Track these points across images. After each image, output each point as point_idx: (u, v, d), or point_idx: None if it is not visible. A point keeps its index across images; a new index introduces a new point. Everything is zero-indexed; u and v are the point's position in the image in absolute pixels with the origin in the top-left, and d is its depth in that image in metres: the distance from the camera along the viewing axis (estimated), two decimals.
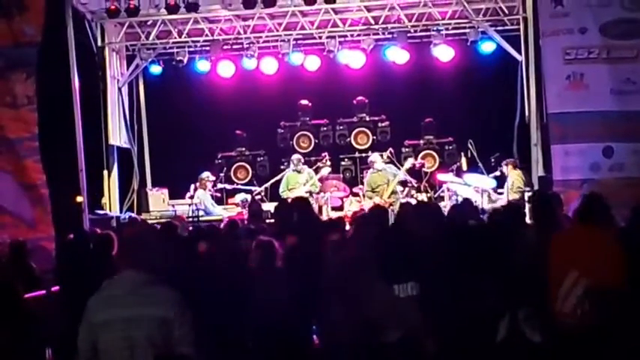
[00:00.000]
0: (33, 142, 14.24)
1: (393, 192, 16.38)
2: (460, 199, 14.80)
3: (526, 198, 15.40)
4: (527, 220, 13.64)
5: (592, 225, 6.93)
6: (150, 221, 15.42)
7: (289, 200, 12.13)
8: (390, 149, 17.60)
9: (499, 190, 16.08)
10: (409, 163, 16.99)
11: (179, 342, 5.33)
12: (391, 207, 15.73)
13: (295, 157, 17.62)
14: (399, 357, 7.03)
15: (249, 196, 16.90)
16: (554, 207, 8.32)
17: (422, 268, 7.06)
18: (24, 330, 5.91)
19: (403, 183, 16.71)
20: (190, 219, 15.18)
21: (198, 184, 16.79)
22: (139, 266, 5.41)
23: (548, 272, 6.78)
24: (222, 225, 12.42)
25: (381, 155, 17.31)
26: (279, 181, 17.51)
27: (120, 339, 5.30)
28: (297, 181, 17.06)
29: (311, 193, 16.76)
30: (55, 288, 9.49)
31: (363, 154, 19.21)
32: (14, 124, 14.32)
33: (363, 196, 17.03)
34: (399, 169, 16.86)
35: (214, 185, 17.24)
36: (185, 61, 18.57)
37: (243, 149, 19.61)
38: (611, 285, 6.34)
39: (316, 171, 17.35)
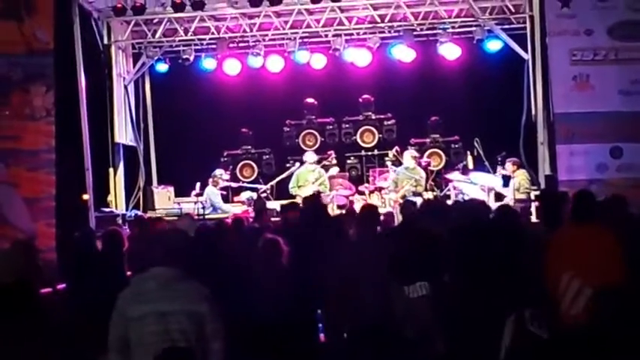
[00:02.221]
0: (49, 155, 14.26)
1: (405, 195, 16.33)
2: (466, 198, 14.80)
3: (532, 197, 15.44)
4: (534, 218, 13.75)
5: (586, 223, 6.92)
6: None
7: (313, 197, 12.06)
8: (396, 147, 17.56)
9: (505, 189, 16.05)
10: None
11: (212, 336, 5.51)
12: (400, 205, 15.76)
13: (309, 153, 17.64)
14: (412, 356, 7.06)
15: (254, 194, 16.92)
16: (561, 206, 8.32)
17: (433, 267, 7.08)
18: (40, 326, 5.94)
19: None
20: (197, 217, 15.18)
21: (210, 180, 16.80)
22: (169, 262, 5.51)
23: (544, 273, 6.79)
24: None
25: (395, 156, 17.21)
26: (284, 179, 17.51)
27: (154, 333, 5.43)
28: (307, 178, 17.05)
29: (320, 192, 16.75)
30: (61, 286, 9.50)
31: (369, 153, 19.22)
32: (31, 136, 14.33)
33: (370, 193, 17.01)
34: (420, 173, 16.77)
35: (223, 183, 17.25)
36: (191, 59, 18.59)
37: (249, 147, 19.62)
38: (609, 283, 6.32)
39: (326, 170, 17.35)
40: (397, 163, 17.04)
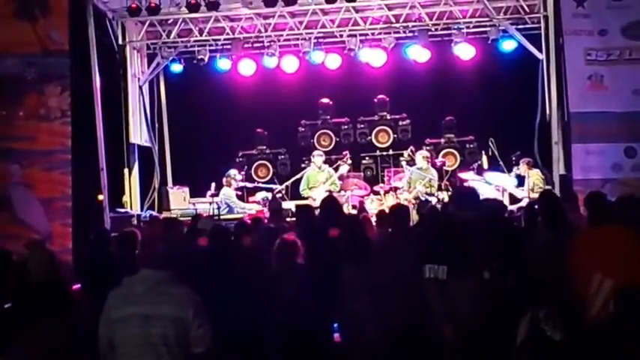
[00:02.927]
0: (65, 155, 14.31)
1: (417, 196, 16.33)
2: (481, 198, 14.76)
3: None
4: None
5: (612, 224, 6.91)
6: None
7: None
8: (411, 147, 17.53)
9: (520, 189, 16.02)
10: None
11: (195, 342, 5.43)
12: (414, 205, 15.76)
13: (316, 153, 17.64)
14: (416, 340, 7.07)
15: (269, 195, 16.92)
16: (561, 206, 8.33)
17: (457, 254, 7.08)
18: (73, 325, 6.01)
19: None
20: (212, 217, 15.19)
21: (224, 180, 16.81)
22: (159, 265, 5.47)
23: (572, 273, 6.76)
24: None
25: (410, 156, 17.20)
26: (299, 180, 17.51)
27: (135, 336, 5.41)
28: (317, 179, 17.05)
29: (331, 192, 16.75)
30: (76, 286, 9.54)
31: (384, 153, 19.21)
32: (46, 137, 14.41)
33: (385, 193, 17.00)
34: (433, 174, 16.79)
35: (237, 183, 17.26)
36: (206, 59, 18.61)
37: (264, 147, 19.62)
38: (633, 283, 6.31)
39: (335, 169, 17.34)
40: (412, 163, 17.05)
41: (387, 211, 11.40)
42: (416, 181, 16.58)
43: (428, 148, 18.57)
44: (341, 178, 17.33)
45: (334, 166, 17.50)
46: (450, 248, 7.16)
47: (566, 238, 7.24)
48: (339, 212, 10.68)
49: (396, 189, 17.02)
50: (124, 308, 5.45)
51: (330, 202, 10.54)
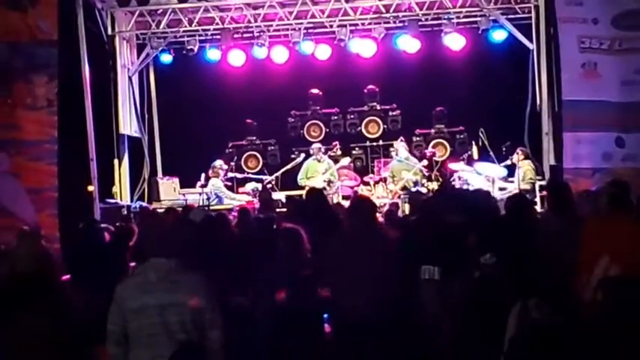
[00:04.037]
0: (51, 145, 14.26)
1: (405, 187, 16.37)
2: (471, 189, 14.78)
3: (537, 188, 15.42)
4: (538, 208, 13.72)
5: (625, 213, 6.92)
6: (160, 210, 15.42)
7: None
8: (402, 138, 17.55)
9: (510, 179, 16.04)
10: (423, 162, 16.90)
11: (210, 325, 5.55)
12: (400, 197, 15.81)
13: (315, 146, 17.66)
14: (416, 339, 7.09)
15: (259, 185, 16.93)
16: (570, 195, 8.34)
17: (447, 253, 7.12)
18: (62, 315, 5.98)
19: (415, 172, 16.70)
20: (202, 207, 15.18)
21: (210, 172, 16.80)
22: (169, 254, 5.50)
23: (579, 257, 6.76)
24: (232, 213, 12.49)
25: (405, 145, 17.23)
26: (289, 170, 17.51)
27: (153, 325, 5.47)
28: (317, 169, 17.07)
29: (330, 182, 16.79)
30: (66, 277, 9.50)
31: (374, 143, 19.22)
32: (32, 127, 14.34)
33: (375, 184, 17.03)
34: (416, 163, 16.83)
35: (225, 174, 17.25)
36: (195, 49, 18.56)
37: (254, 138, 19.62)
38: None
39: (335, 161, 17.35)
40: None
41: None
42: (400, 171, 16.62)
43: (418, 138, 18.60)
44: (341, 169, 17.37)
45: (332, 156, 17.52)
46: (442, 249, 7.22)
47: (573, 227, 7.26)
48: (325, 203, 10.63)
49: (385, 179, 17.11)
50: (139, 298, 5.49)
51: (315, 194, 10.55)
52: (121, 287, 5.59)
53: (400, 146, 17.08)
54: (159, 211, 14.77)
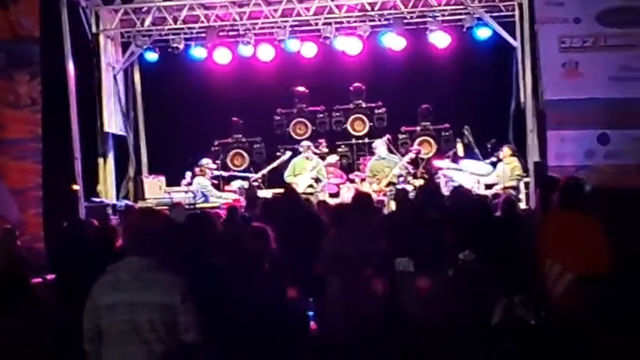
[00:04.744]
0: (35, 144, 14.21)
1: (391, 182, 16.41)
2: (456, 185, 14.82)
3: (522, 185, 15.47)
4: (523, 205, 13.78)
5: (576, 210, 6.94)
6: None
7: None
8: (387, 136, 17.56)
9: (494, 175, 16.06)
10: (409, 156, 16.92)
11: (185, 329, 5.44)
12: (386, 195, 15.82)
13: (305, 143, 17.59)
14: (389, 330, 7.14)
15: (245, 183, 16.92)
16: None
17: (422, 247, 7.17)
18: (35, 316, 5.95)
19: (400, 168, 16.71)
20: (187, 206, 15.16)
21: (198, 170, 16.79)
22: (144, 252, 5.47)
23: (537, 256, 6.81)
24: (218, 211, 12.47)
25: (385, 143, 17.23)
26: (275, 168, 17.50)
27: (123, 322, 5.40)
28: (304, 167, 17.03)
29: (317, 179, 16.79)
30: (51, 276, 9.48)
31: (360, 141, 19.23)
32: (15, 125, 14.30)
33: (361, 181, 17.04)
34: (399, 158, 16.86)
35: (212, 173, 17.23)
36: (181, 47, 18.48)
37: (240, 136, 19.60)
38: (597, 271, 6.35)
39: (323, 158, 17.35)
40: (388, 151, 17.12)
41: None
42: (380, 169, 16.64)
43: (404, 135, 18.62)
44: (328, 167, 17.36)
45: (319, 154, 17.52)
46: (417, 243, 7.27)
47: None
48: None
49: (364, 179, 17.09)
50: (111, 295, 5.45)
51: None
52: (97, 284, 5.56)
53: (379, 144, 17.05)
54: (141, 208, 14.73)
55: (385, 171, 16.61)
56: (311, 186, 16.55)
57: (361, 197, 9.02)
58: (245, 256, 7.67)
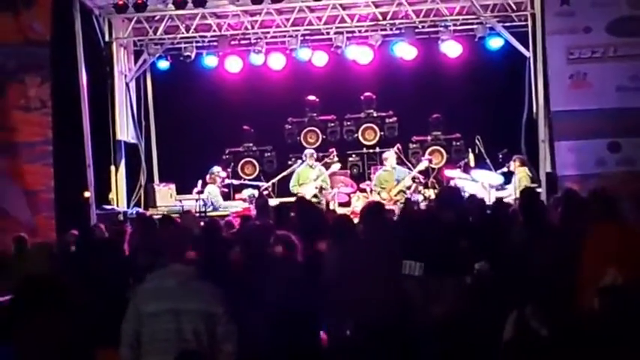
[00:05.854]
0: (46, 147, 14.27)
1: (401, 190, 16.39)
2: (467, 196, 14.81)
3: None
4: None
5: (619, 221, 6.93)
6: (156, 217, 15.40)
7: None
8: (398, 145, 17.55)
9: (506, 187, 16.05)
10: (423, 165, 16.90)
11: (223, 338, 5.53)
12: (396, 203, 15.79)
13: (308, 151, 17.62)
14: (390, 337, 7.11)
15: (256, 192, 16.91)
16: (541, 204, 8.38)
17: (431, 250, 7.13)
18: (77, 322, 5.97)
19: (411, 179, 16.69)
20: (198, 214, 15.18)
21: (208, 177, 16.82)
22: (187, 260, 5.51)
23: (580, 270, 6.76)
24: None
25: (396, 153, 17.21)
26: (286, 177, 17.50)
27: (168, 330, 5.47)
28: (308, 176, 17.03)
29: (322, 188, 16.78)
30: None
31: (371, 150, 19.20)
32: (26, 128, 14.37)
33: (371, 191, 17.02)
34: (410, 169, 16.83)
35: (223, 181, 17.26)
36: (193, 56, 18.54)
37: (251, 145, 19.59)
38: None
39: (326, 167, 17.34)
40: (399, 160, 17.09)
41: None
42: (387, 180, 16.61)
43: (415, 145, 18.59)
44: (331, 175, 17.34)
45: (322, 162, 17.51)
46: (427, 246, 7.22)
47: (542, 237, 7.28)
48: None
49: (371, 190, 17.07)
50: (155, 303, 5.50)
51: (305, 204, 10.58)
52: (140, 291, 5.61)
53: (389, 155, 17.01)
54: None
55: (393, 182, 16.57)
56: (315, 196, 16.52)
57: (373, 205, 9.00)
58: (274, 262, 7.67)
